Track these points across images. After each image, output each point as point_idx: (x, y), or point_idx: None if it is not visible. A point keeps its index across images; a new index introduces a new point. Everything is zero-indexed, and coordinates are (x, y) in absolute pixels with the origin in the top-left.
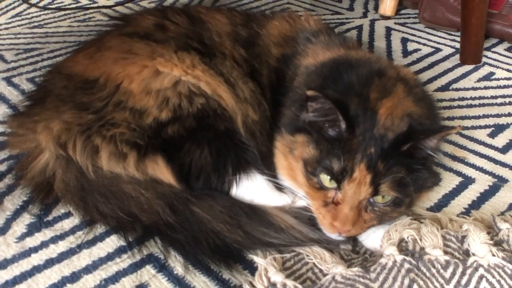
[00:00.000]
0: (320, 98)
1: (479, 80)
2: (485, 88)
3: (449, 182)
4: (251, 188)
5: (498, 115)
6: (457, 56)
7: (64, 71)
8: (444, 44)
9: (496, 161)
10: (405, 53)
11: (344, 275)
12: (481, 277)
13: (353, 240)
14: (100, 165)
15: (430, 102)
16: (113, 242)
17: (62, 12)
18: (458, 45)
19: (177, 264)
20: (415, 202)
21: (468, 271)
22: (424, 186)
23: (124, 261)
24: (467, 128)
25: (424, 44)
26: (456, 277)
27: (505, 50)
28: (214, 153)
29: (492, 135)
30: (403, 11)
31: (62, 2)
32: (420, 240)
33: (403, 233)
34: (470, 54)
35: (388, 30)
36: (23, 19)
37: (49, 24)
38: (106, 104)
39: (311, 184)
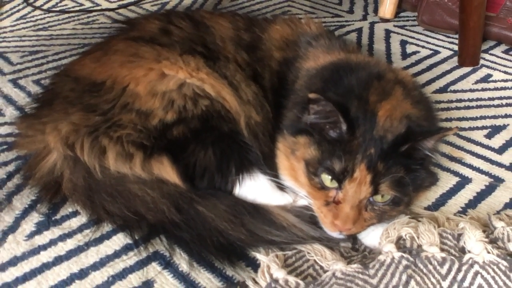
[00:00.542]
0: (322, 100)
1: (477, 82)
2: (483, 90)
3: (447, 182)
4: (254, 188)
5: (495, 117)
6: (455, 58)
7: (71, 74)
8: (443, 47)
9: (492, 162)
10: (404, 55)
11: (344, 272)
12: (476, 273)
13: (353, 238)
14: (107, 165)
15: (428, 104)
16: (119, 240)
17: (66, 15)
18: (456, 48)
19: (182, 261)
20: (414, 201)
21: (464, 268)
22: (422, 186)
23: (130, 258)
24: (464, 129)
25: (423, 47)
26: (452, 273)
27: (503, 52)
28: (218, 153)
29: (489, 136)
30: (402, 14)
31: (66, 5)
32: (418, 238)
33: (401, 231)
34: (468, 57)
35: (388, 32)
36: (27, 22)
37: (53, 27)
38: (113, 106)
39: (312, 184)
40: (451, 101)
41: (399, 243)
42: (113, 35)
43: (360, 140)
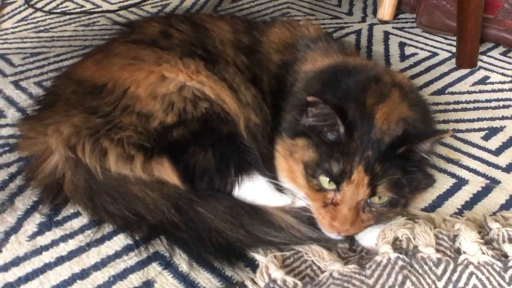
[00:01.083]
0: (320, 103)
1: (474, 84)
2: (480, 91)
3: (443, 183)
4: (253, 189)
5: (492, 119)
6: (453, 60)
7: (73, 76)
8: (441, 49)
9: (489, 163)
10: (403, 57)
11: (341, 272)
12: (471, 274)
13: (350, 239)
14: (108, 166)
15: (425, 107)
16: (120, 240)
17: (67, 17)
18: (454, 49)
19: (182, 261)
20: (410, 202)
21: (459, 268)
22: (419, 187)
23: (131, 259)
24: (461, 131)
25: (421, 49)
26: (447, 274)
27: (500, 54)
28: (217, 155)
29: (486, 138)
30: (401, 16)
31: (67, 7)
32: (414, 239)
33: (397, 232)
34: (466, 58)
35: (386, 34)
36: (29, 24)
37: (54, 29)
38: (114, 108)
39: (311, 185)
40: (449, 103)
41: (396, 244)
42: (114, 38)
43: (357, 142)
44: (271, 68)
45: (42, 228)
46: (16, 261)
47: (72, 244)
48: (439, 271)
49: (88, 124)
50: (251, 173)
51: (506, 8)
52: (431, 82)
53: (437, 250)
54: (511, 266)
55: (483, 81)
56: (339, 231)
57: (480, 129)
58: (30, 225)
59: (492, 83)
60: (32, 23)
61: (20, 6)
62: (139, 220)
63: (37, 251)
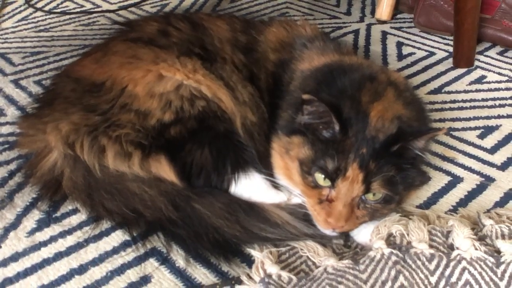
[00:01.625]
0: (315, 101)
1: (471, 83)
2: (477, 91)
3: (439, 181)
4: (249, 186)
5: (487, 117)
6: (450, 59)
7: (72, 74)
8: (438, 48)
9: (484, 161)
10: (400, 56)
11: (335, 267)
12: (464, 269)
13: (345, 235)
14: (106, 164)
15: (419, 105)
16: (118, 236)
17: (67, 16)
18: (451, 49)
19: (179, 257)
20: (405, 199)
21: (452, 264)
22: (413, 185)
23: (128, 255)
24: (457, 129)
25: (419, 48)
26: (440, 269)
27: (497, 54)
28: (214, 153)
29: (481, 136)
30: (399, 16)
31: (67, 7)
32: (407, 234)
33: (391, 228)
34: (463, 58)
35: (384, 34)
36: (29, 23)
37: (54, 28)
38: (112, 106)
39: (306, 182)
40: (445, 102)
41: (389, 240)
42: (112, 37)
43: (352, 140)
44: (268, 66)
45: (41, 225)
46: (15, 257)
47: (70, 240)
48: (432, 266)
49: (87, 122)
50: (248, 171)
51: (503, 8)
52: (428, 81)
53: (431, 246)
54: (503, 262)
55: (479, 80)
56: (334, 227)
57: (476, 128)
58: (29, 222)
59: (489, 82)
60: (32, 22)
61: (20, 6)
62: (136, 216)
63: (36, 247)
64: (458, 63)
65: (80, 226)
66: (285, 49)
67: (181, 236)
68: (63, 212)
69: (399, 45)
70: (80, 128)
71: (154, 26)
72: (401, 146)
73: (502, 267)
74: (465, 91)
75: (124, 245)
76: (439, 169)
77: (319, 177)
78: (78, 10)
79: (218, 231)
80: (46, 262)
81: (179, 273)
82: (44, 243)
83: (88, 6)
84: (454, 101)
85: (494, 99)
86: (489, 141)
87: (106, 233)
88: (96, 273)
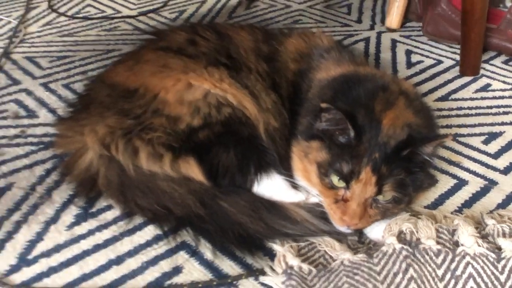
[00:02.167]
0: (332, 109)
1: (477, 91)
2: (482, 98)
3: (445, 183)
4: (270, 186)
5: (492, 124)
6: (457, 68)
7: (106, 81)
8: (446, 57)
9: (488, 166)
10: (409, 64)
11: (351, 260)
12: (468, 263)
13: (359, 232)
14: (140, 164)
15: (428, 113)
16: (150, 231)
17: (89, 22)
18: (458, 58)
19: (206, 250)
20: (414, 200)
21: (457, 259)
22: (422, 187)
23: (161, 247)
24: (463, 135)
25: (427, 56)
26: (446, 263)
27: (502, 63)
28: (239, 155)
29: (486, 142)
30: (408, 24)
31: (89, 12)
32: (417, 232)
33: (402, 226)
34: (469, 67)
35: (394, 42)
36: (53, 28)
37: (78, 33)
38: (145, 111)
39: (323, 183)
40: (452, 109)
41: (400, 237)
42: (142, 45)
43: (366, 145)
44: (288, 75)
45: (79, 219)
46: (57, 248)
47: (107, 234)
48: (438, 261)
49: (122, 125)
50: (269, 172)
51: (508, 18)
52: (435, 88)
53: (438, 242)
54: (503, 258)
55: (485, 88)
56: (348, 225)
57: (480, 134)
58: (68, 216)
59: (494, 90)
60: (56, 27)
61: (43, 11)
62: (167, 212)
63: (76, 240)
64: (465, 72)
65: (115, 221)
66: (303, 59)
67: (209, 231)
68: (99, 208)
69: (408, 53)
70: (115, 131)
71: (182, 35)
72: (410, 152)
73: (503, 262)
74: (471, 99)
75: (156, 239)
76: (446, 173)
77: (335, 179)
78: (100, 15)
79: (243, 226)
80: (86, 254)
81: (208, 265)
82: (83, 236)
83: (109, 11)
84: (460, 108)
85: (498, 106)
86: (493, 146)
87: (139, 227)
88: (132, 263)
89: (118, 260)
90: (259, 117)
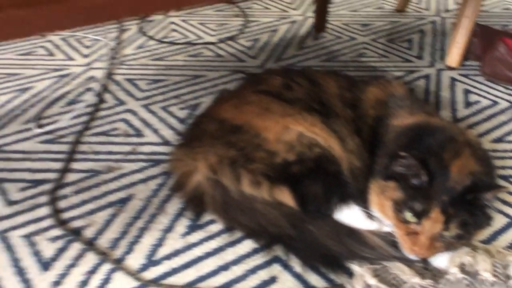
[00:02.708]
0: (408, 157)
1: None
2: None
3: (499, 221)
4: (350, 215)
5: None
6: None
7: (215, 116)
8: (502, 98)
9: None
10: (467, 104)
11: (420, 284)
12: None
13: (425, 260)
14: (242, 188)
15: (489, 162)
16: (248, 244)
17: (176, 46)
18: None
19: (296, 265)
20: (474, 237)
21: None
22: (481, 226)
23: (258, 259)
24: None
25: (484, 97)
26: None
27: None
28: (325, 187)
29: None
30: (467, 63)
31: (174, 37)
32: (475, 264)
33: (463, 258)
34: None
35: (453, 80)
36: (146, 51)
37: (167, 57)
38: (248, 145)
39: (397, 218)
40: (506, 151)
41: (462, 268)
42: (243, 85)
43: (436, 189)
44: (369, 121)
45: (189, 230)
46: (176, 253)
47: (213, 244)
48: None
49: (228, 155)
50: (350, 203)
51: None
52: (491, 130)
53: (493, 275)
54: None
55: None
56: (417, 254)
57: None
58: (180, 227)
59: None
60: (148, 51)
61: (134, 34)
62: (262, 230)
63: (189, 247)
64: None
65: (219, 233)
66: (381, 107)
67: (298, 248)
68: (205, 221)
69: (466, 92)
70: (223, 160)
71: (278, 80)
72: (473, 197)
73: None
74: None
75: (254, 252)
76: (500, 212)
77: (408, 215)
78: (184, 41)
79: (326, 247)
80: (199, 259)
81: (298, 277)
82: (195, 244)
83: (192, 36)
84: None
85: None
86: None
87: (239, 240)
88: (237, 271)
89: (225, 267)
90: (344, 157)
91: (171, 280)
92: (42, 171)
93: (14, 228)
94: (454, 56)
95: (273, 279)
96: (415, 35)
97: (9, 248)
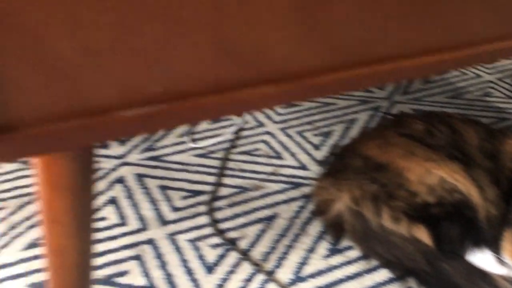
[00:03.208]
0: None
1: None
2: None
3: None
4: (482, 259)
5: None
6: None
7: (359, 152)
8: None
9: None
10: None
11: None
12: None
13: None
14: (382, 222)
15: None
16: (384, 273)
17: None
18: None
19: None
20: None
21: None
22: None
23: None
24: None
25: None
26: None
27: None
28: (461, 230)
29: None
30: None
31: None
32: None
33: None
34: None
35: None
36: None
37: None
38: (391, 183)
39: None
40: None
41: None
42: (385, 126)
43: None
44: (506, 173)
45: (329, 253)
46: (319, 273)
47: (352, 268)
48: None
49: (371, 190)
50: (482, 248)
51: None
52: None
53: None
54: None
55: None
56: None
57: None
58: (322, 248)
59: None
60: None
61: None
62: (398, 262)
63: (331, 269)
64: None
65: (357, 259)
66: None
67: (431, 283)
68: (344, 246)
69: None
70: (366, 194)
71: (420, 124)
72: None
73: None
74: None
75: (390, 280)
76: None
77: None
78: None
79: (458, 285)
80: (340, 281)
81: None
82: (336, 267)
83: None
84: None
85: None
86: None
87: (376, 268)
88: None
89: None
90: (482, 205)
91: None
92: (199, 182)
93: (181, 232)
94: None
95: None
96: None
97: (178, 249)
